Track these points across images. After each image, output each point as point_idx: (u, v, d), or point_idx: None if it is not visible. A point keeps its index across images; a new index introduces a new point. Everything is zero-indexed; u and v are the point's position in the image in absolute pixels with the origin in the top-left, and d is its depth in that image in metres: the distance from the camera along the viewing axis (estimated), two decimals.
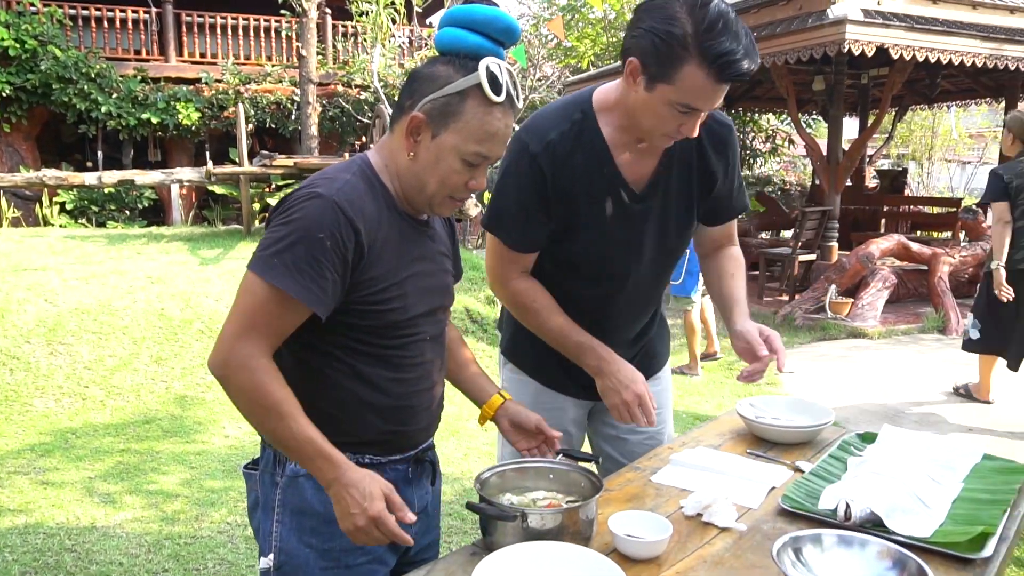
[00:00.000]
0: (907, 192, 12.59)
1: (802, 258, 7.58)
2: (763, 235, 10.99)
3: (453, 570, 1.24)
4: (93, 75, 11.93)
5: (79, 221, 11.68)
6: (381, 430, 1.34)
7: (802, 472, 1.63)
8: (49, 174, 10.88)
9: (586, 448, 1.96)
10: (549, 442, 1.56)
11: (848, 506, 1.34)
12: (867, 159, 11.27)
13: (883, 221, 10.83)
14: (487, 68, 1.20)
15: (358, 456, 1.31)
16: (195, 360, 5.10)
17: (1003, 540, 1.33)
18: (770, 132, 13.99)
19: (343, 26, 13.92)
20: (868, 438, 1.80)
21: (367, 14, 10.69)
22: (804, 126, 9.38)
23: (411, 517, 1.20)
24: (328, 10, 13.58)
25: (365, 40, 12.30)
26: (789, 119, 11.89)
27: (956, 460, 1.65)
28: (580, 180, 1.59)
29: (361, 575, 1.33)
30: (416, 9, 10.42)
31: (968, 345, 4.66)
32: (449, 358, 1.58)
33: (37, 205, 11.44)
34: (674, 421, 2.11)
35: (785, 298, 7.76)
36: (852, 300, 7.02)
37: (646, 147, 1.59)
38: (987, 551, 1.26)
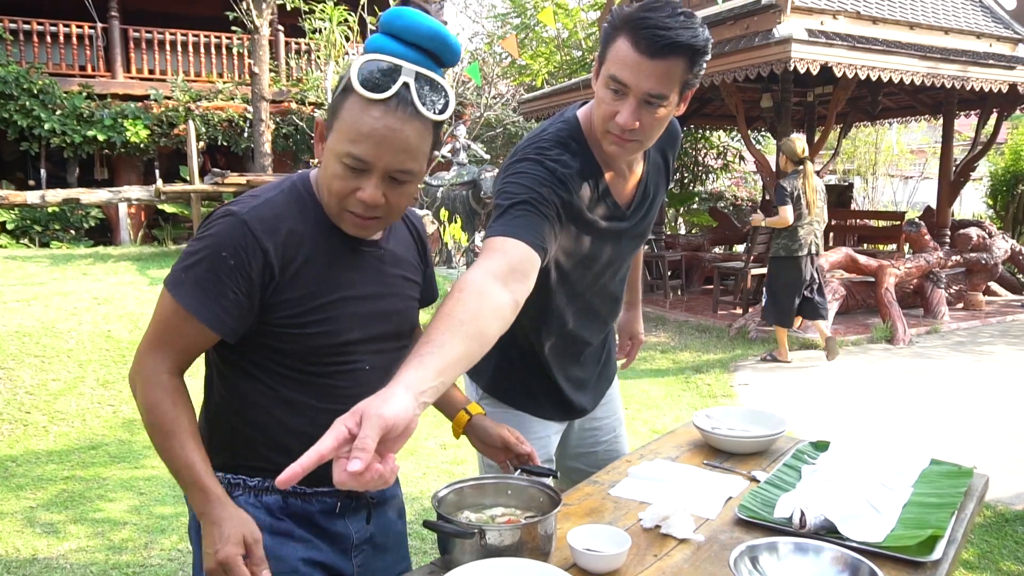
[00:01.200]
0: (853, 206, 12.96)
1: (754, 272, 7.72)
2: (716, 250, 11.19)
3: None
4: (35, 91, 11.64)
5: (21, 241, 11.32)
6: None
7: (758, 482, 1.64)
8: None
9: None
10: (521, 457, 1.53)
11: (803, 514, 1.36)
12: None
13: (831, 235, 11.10)
14: (363, 62, 1.14)
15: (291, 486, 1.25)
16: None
17: (951, 542, 1.36)
18: (721, 149, 14.31)
19: (296, 43, 13.83)
20: (821, 446, 1.83)
21: (320, 31, 10.63)
22: (754, 142, 9.59)
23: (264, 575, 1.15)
24: (281, 27, 13.48)
25: (319, 57, 12.24)
26: (740, 136, 12.17)
27: (905, 466, 1.68)
28: (581, 205, 1.56)
29: None
30: (370, 27, 10.42)
31: (781, 323, 6.11)
32: None
33: None
34: (635, 434, 2.14)
35: (739, 311, 7.89)
36: None
37: (625, 166, 1.61)
38: (936, 553, 1.29)
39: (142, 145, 12.44)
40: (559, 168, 1.49)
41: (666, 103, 1.41)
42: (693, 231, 13.17)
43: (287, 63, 13.85)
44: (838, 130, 11.17)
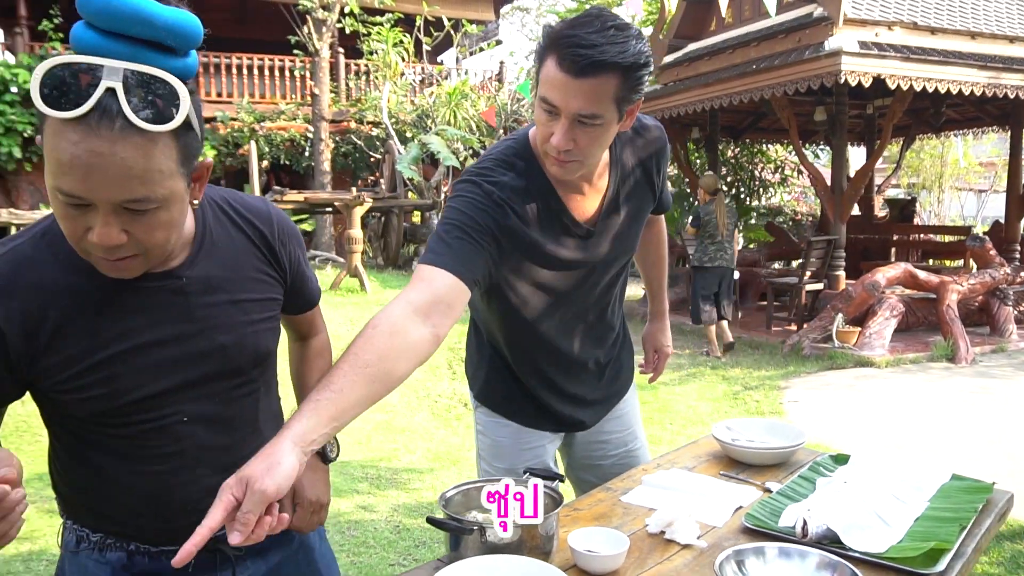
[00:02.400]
0: (917, 221, 12.59)
1: (809, 287, 7.58)
2: (776, 265, 11.00)
3: None
4: None
5: None
6: (137, 524, 1.15)
7: (771, 492, 1.65)
8: None
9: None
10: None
11: (805, 523, 1.37)
12: (876, 188, 11.30)
13: (893, 250, 10.80)
14: (43, 71, 0.87)
15: (127, 545, 1.15)
16: None
17: (959, 557, 1.34)
18: (779, 163, 14.07)
19: (355, 64, 14.23)
20: (840, 460, 1.82)
21: (377, 53, 10.94)
22: (811, 156, 9.44)
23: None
24: (341, 50, 13.91)
25: (376, 78, 12.57)
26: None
27: (924, 481, 1.67)
28: (532, 226, 1.52)
29: None
30: (425, 47, 10.69)
31: (696, 321, 7.20)
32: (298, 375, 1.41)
33: None
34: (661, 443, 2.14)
35: (793, 328, 7.75)
36: (860, 329, 7.00)
37: (582, 183, 1.55)
38: (939, 567, 1.28)
39: None
40: (496, 191, 1.46)
41: (600, 121, 1.35)
42: (750, 246, 12.97)
43: (346, 84, 14.26)
44: (900, 142, 10.90)
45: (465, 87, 9.42)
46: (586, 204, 1.58)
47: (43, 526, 3.45)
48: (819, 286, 7.78)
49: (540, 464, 1.78)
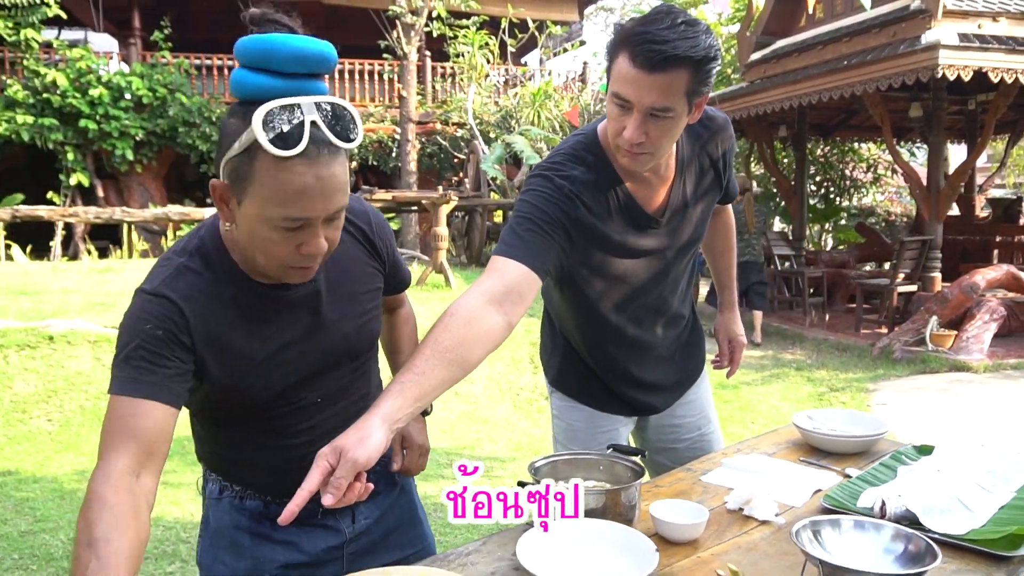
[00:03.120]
0: (1022, 221, 11.92)
1: (901, 289, 7.33)
2: (868, 266, 10.65)
3: (507, 541, 1.38)
4: (214, 119, 12.94)
5: None
6: (275, 485, 1.29)
7: (850, 478, 1.68)
8: (174, 210, 11.86)
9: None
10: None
11: (884, 503, 1.40)
12: (977, 188, 10.78)
13: (996, 252, 10.29)
14: (263, 117, 0.99)
15: (264, 496, 1.32)
16: None
17: None
18: (871, 162, 13.58)
19: (442, 67, 14.55)
20: (925, 450, 1.83)
21: (463, 55, 11.18)
22: (907, 154, 9.10)
23: None
24: (428, 53, 14.26)
25: (462, 80, 12.84)
26: (899, 147, 11.59)
27: (1012, 471, 1.66)
28: (603, 219, 1.57)
29: None
30: (510, 49, 10.85)
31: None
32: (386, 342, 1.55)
33: (163, 239, 12.43)
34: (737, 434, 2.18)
35: (883, 330, 7.51)
36: (956, 332, 6.74)
37: (650, 174, 1.59)
38: (1021, 551, 1.29)
39: None
40: (567, 185, 1.51)
41: (672, 114, 1.40)
42: (840, 247, 12.57)
43: (432, 86, 14.61)
44: (1006, 140, 10.37)
45: (548, 88, 9.52)
46: (654, 195, 1.62)
47: (158, 496, 3.74)
48: (912, 288, 7.51)
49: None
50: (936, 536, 1.34)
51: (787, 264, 9.17)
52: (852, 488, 1.57)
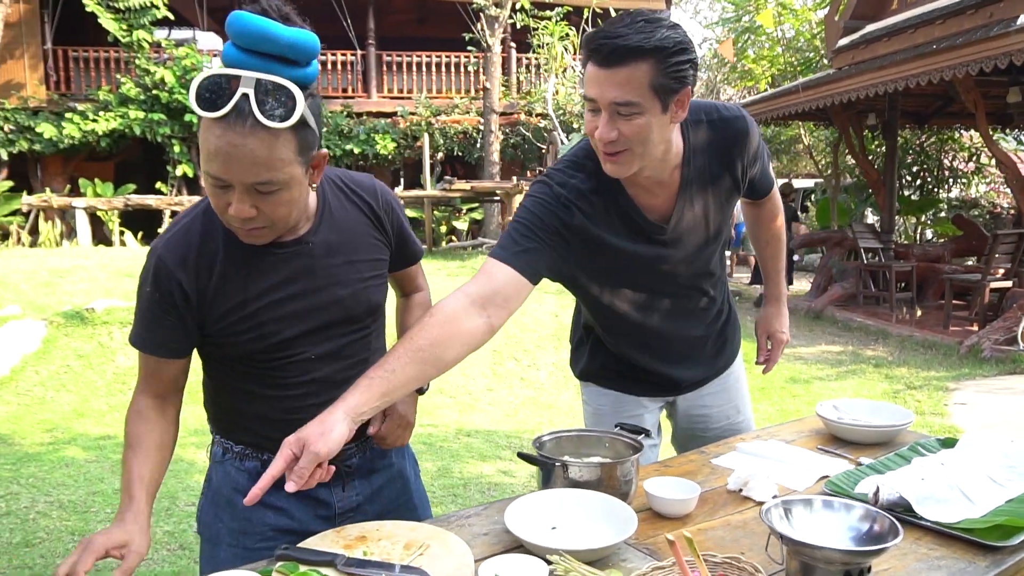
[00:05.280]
0: None
1: (995, 285, 6.96)
2: (970, 261, 10.09)
3: (505, 507, 1.49)
4: None
5: None
6: (270, 437, 1.35)
7: (861, 465, 1.70)
8: None
9: (668, 452, 2.11)
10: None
11: (878, 489, 1.43)
12: None
13: None
14: (199, 80, 1.12)
15: (261, 455, 1.42)
16: None
17: None
18: (973, 150, 12.83)
19: (526, 58, 14.66)
20: (948, 443, 1.81)
21: (544, 46, 11.25)
22: (1005, 141, 8.59)
23: None
24: (513, 44, 14.39)
25: (546, 71, 12.93)
26: (1000, 136, 10.92)
27: None
28: (604, 227, 1.58)
29: (255, 557, 1.35)
30: None
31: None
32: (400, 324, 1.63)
33: None
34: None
35: (973, 328, 7.16)
36: None
37: (650, 182, 1.58)
38: (1012, 541, 1.29)
39: (390, 156, 13.95)
40: (564, 192, 1.54)
41: (640, 109, 1.39)
42: (939, 241, 11.96)
43: (517, 78, 14.74)
44: None
45: None
46: (657, 201, 1.61)
47: None
48: (1007, 284, 7.12)
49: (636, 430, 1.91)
50: (926, 523, 1.36)
51: (873, 257, 8.83)
52: (857, 475, 1.59)
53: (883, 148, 9.97)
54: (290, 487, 1.13)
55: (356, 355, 1.43)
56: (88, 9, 11.79)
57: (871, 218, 12.92)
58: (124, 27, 12.47)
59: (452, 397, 5.34)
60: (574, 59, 9.93)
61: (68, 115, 12.68)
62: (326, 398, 1.35)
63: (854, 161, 10.32)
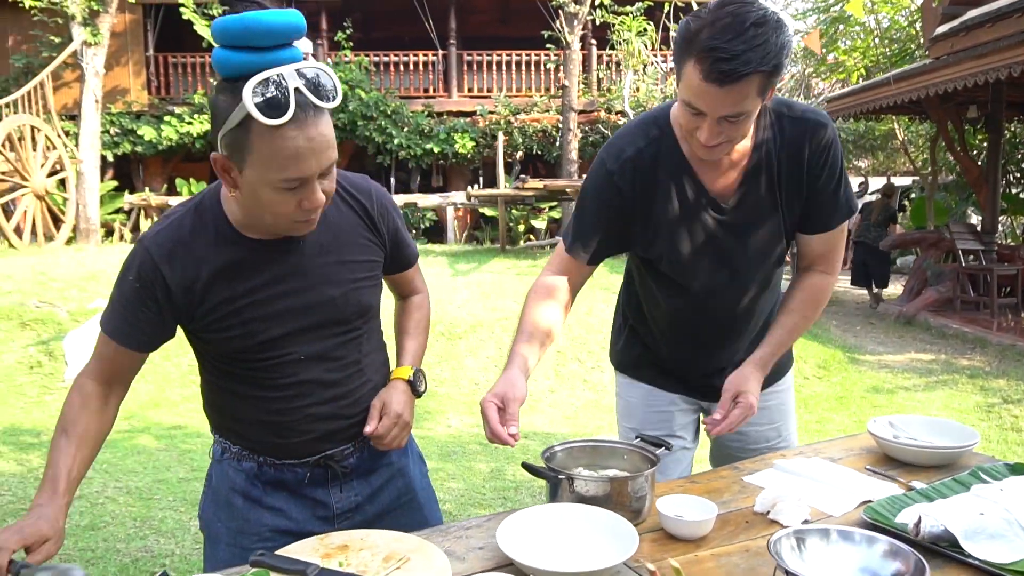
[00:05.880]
0: None
1: None
2: None
3: (504, 516, 1.42)
4: (389, 112, 13.72)
5: None
6: (263, 440, 1.39)
7: (912, 491, 1.54)
8: None
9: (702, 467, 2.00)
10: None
11: (920, 520, 1.28)
12: None
13: None
14: (251, 91, 1.08)
15: (257, 456, 1.41)
16: (435, 358, 5.73)
17: None
18: None
19: (607, 55, 14.47)
20: (1018, 469, 1.63)
21: (623, 42, 11.06)
22: None
23: None
24: (594, 41, 14.22)
25: (625, 68, 12.71)
26: None
27: None
28: (662, 197, 1.58)
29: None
30: (672, 35, 10.53)
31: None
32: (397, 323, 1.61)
33: None
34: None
35: None
36: None
37: (726, 159, 1.56)
38: None
39: (469, 155, 14.03)
40: (616, 170, 1.57)
41: (746, 115, 1.40)
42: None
43: (597, 75, 14.56)
44: None
45: None
46: (721, 178, 1.59)
47: None
48: None
49: (665, 429, 1.81)
50: (975, 562, 1.21)
51: (973, 260, 8.25)
52: (902, 502, 1.44)
53: (985, 143, 9.30)
54: (514, 431, 1.34)
55: (346, 357, 1.40)
56: (184, 17, 12.34)
57: (973, 218, 12.10)
58: None
59: None
60: (652, 54, 9.66)
61: (167, 118, 13.33)
62: (316, 399, 1.37)
63: (953, 157, 9.68)
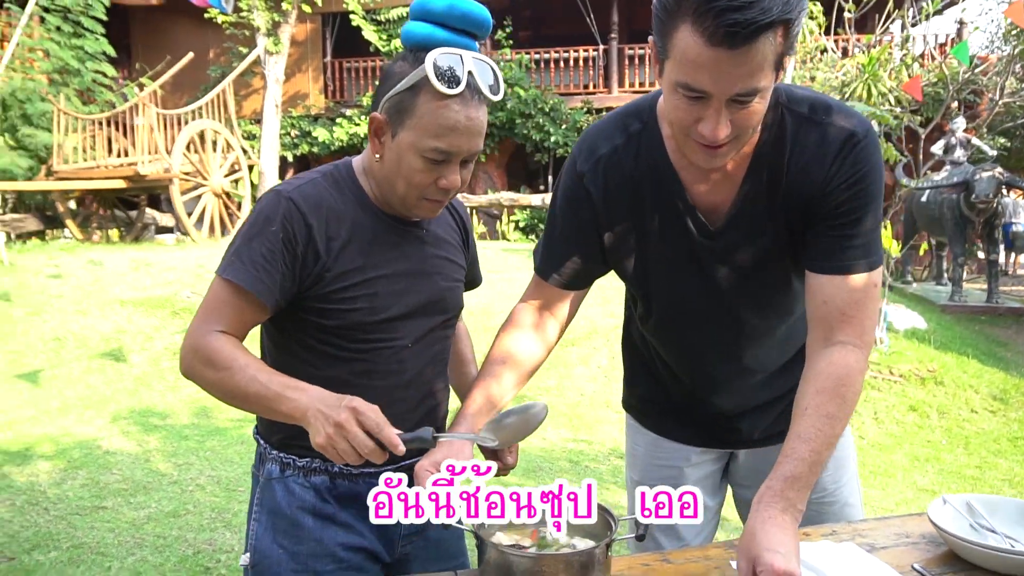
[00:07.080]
0: None
1: None
2: None
3: None
4: (547, 109, 13.62)
5: (529, 237, 13.46)
6: None
7: None
8: (504, 196, 12.83)
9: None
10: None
11: None
12: None
13: None
14: (435, 59, 1.18)
15: (329, 464, 1.31)
16: (543, 365, 5.49)
17: None
18: None
19: None
20: None
21: None
22: None
23: (399, 448, 1.09)
24: None
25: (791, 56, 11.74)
26: None
27: None
28: (636, 209, 1.31)
29: None
30: (847, 15, 9.49)
31: None
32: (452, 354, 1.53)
33: (498, 222, 13.52)
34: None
35: None
36: None
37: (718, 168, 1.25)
38: None
39: None
40: (586, 175, 1.32)
41: (762, 93, 1.07)
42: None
43: None
44: None
45: (883, 56, 8.03)
46: (712, 190, 1.27)
47: None
48: None
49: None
50: None
51: None
52: None
53: None
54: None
55: (439, 347, 1.41)
56: (353, 24, 12.98)
57: None
58: (384, 37, 13.56)
59: (618, 412, 4.94)
60: (815, 40, 8.72)
61: (338, 120, 14.12)
62: (414, 393, 1.36)
63: None
